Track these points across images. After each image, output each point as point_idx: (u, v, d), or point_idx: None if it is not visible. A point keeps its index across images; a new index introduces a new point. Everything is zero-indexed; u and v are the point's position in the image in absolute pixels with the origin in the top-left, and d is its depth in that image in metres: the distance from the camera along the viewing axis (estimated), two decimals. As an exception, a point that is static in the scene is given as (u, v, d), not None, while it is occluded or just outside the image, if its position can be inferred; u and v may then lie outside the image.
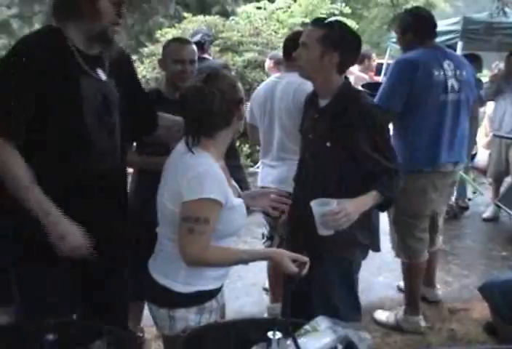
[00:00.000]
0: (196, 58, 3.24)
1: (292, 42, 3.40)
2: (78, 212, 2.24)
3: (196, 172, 2.09)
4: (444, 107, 3.64)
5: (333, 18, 2.77)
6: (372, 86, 4.19)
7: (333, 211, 2.40)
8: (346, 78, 2.78)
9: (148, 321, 2.75)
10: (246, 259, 2.19)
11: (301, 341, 1.97)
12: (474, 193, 7.21)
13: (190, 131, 2.18)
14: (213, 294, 2.30)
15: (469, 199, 7.00)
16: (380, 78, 8.13)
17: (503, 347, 2.48)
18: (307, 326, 2.08)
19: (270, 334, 1.94)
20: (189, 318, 2.21)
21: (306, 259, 2.18)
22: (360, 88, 3.95)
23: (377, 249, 2.89)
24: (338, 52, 2.59)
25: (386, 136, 2.68)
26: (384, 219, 4.14)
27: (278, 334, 1.95)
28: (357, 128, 2.55)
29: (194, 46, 3.28)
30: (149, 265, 2.31)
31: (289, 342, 2.00)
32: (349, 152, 2.59)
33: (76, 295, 2.45)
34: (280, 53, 5.25)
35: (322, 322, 2.11)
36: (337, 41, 2.58)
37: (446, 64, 3.67)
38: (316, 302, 2.74)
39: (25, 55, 2.17)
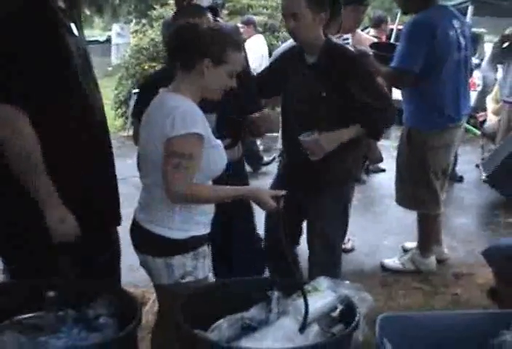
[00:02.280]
0: None
1: None
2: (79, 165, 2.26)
3: (181, 110, 2.10)
4: (459, 65, 3.78)
5: None
6: (381, 47, 4.13)
7: (313, 141, 2.81)
8: (326, 34, 2.92)
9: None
10: (223, 196, 2.25)
11: (302, 301, 1.99)
12: (482, 159, 7.15)
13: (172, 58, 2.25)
14: (205, 239, 2.33)
15: (477, 165, 6.96)
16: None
17: (506, 312, 2.48)
18: (308, 286, 2.09)
19: (269, 293, 1.96)
20: (186, 263, 2.23)
21: (282, 192, 2.23)
22: (368, 48, 3.92)
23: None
24: (325, 11, 2.80)
25: (375, 79, 3.00)
26: (386, 182, 4.17)
27: (278, 294, 1.97)
28: (349, 77, 2.82)
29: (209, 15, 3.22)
30: (137, 218, 2.30)
31: (289, 301, 2.02)
32: (344, 99, 2.83)
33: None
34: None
35: (323, 282, 2.12)
36: (321, 1, 2.79)
37: (454, 22, 3.74)
38: (308, 228, 3.14)
39: None
